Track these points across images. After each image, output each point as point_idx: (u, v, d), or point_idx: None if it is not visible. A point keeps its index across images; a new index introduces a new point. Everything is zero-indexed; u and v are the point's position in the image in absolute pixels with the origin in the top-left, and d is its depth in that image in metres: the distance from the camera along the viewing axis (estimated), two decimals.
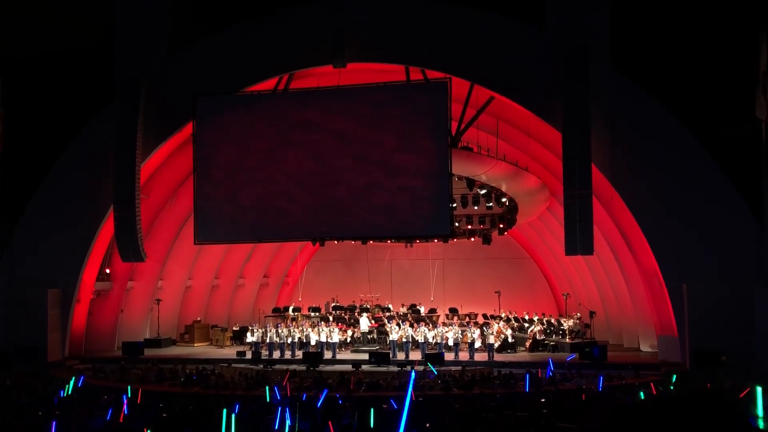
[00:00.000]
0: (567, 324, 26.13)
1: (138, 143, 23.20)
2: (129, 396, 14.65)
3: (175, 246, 27.44)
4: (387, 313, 27.70)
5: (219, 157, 23.49)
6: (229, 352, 25.96)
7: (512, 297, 30.56)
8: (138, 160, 23.21)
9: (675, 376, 15.89)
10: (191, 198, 24.11)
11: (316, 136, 22.76)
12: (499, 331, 24.87)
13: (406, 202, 22.17)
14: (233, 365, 22.79)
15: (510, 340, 25.03)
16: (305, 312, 28.83)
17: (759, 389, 8.33)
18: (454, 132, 22.58)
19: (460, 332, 24.05)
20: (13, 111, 24.89)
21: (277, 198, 23.03)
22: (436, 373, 19.78)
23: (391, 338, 24.34)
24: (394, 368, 21.60)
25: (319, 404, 12.36)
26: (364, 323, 26.55)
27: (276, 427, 10.14)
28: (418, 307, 28.22)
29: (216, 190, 23.48)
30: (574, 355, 21.32)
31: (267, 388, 14.75)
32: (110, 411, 11.81)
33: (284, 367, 22.34)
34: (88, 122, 25.02)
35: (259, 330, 25.26)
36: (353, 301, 29.72)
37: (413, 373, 7.69)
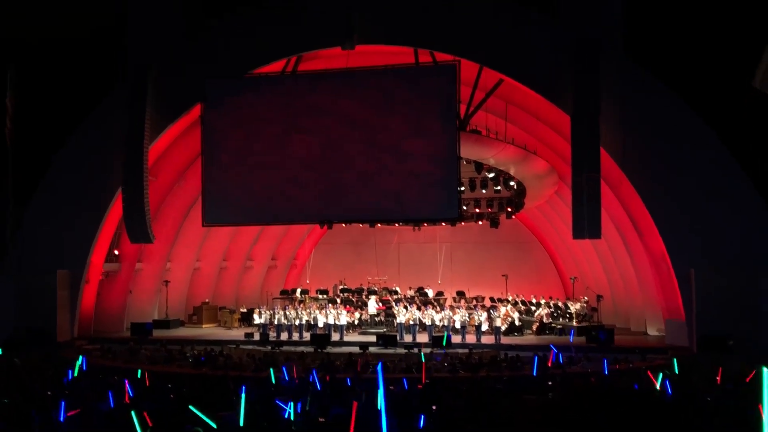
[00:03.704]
0: (574, 307, 26.11)
1: (146, 125, 23.19)
2: (137, 377, 14.74)
3: (183, 228, 27.51)
4: (394, 296, 27.74)
5: (227, 141, 23.46)
6: (237, 333, 26.10)
7: (520, 280, 30.56)
8: (146, 142, 23.21)
9: (676, 360, 15.83)
10: (199, 180, 24.11)
11: (324, 121, 22.69)
12: (507, 314, 24.88)
13: (414, 186, 22.13)
14: (241, 347, 22.89)
15: (517, 323, 25.05)
16: (313, 294, 28.90)
17: (765, 370, 8.17)
18: (462, 115, 22.48)
19: (467, 315, 24.07)
20: (23, 95, 24.90)
21: (285, 182, 23.01)
22: (444, 351, 19.83)
23: (398, 321, 24.41)
24: (401, 350, 21.65)
25: (311, 379, 12.37)
26: (372, 306, 26.61)
27: (286, 413, 10.14)
28: (425, 290, 28.23)
29: (223, 174, 23.48)
30: (572, 333, 21.29)
31: (271, 370, 14.74)
32: (114, 392, 11.84)
33: (292, 348, 22.46)
34: (98, 105, 25.02)
35: (267, 312, 25.34)
36: (361, 284, 29.77)
37: (380, 367, 7.44)
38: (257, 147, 23.21)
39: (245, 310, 28.74)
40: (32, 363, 18.08)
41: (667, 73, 22.07)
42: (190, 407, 9.59)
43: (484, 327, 23.81)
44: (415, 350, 20.88)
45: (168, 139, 25.30)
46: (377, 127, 22.32)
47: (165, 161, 26.13)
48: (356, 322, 26.27)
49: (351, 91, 22.51)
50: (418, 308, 24.91)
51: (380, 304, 26.99)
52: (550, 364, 17.66)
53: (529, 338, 24.53)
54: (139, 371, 15.35)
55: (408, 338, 23.72)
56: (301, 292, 29.23)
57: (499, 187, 26.28)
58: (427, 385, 13.46)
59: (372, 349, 21.91)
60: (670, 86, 21.21)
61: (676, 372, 15.06)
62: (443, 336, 22.21)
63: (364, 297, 27.86)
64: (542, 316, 25.69)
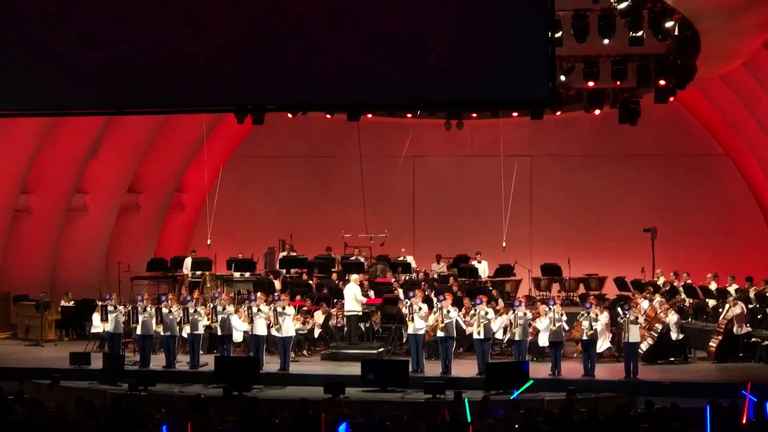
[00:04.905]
0: None
1: None
2: None
3: None
4: (403, 276, 27.98)
5: None
6: (56, 354, 26.49)
7: (682, 242, 30.82)
8: None
9: None
10: None
11: None
12: (652, 316, 25.07)
13: (446, 29, 22.13)
14: (63, 383, 23.16)
15: (675, 335, 25.28)
16: (222, 270, 29.15)
17: None
18: None
19: (564, 319, 24.27)
20: None
21: (160, 18, 22.98)
22: (516, 397, 20.15)
23: (411, 330, 24.62)
24: (418, 395, 21.90)
25: None
26: (352, 296, 26.72)
27: None
28: (472, 264, 28.45)
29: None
30: None
31: None
32: None
33: (175, 389, 22.79)
34: None
35: (120, 308, 25.57)
36: (328, 249, 30.00)
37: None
38: None
39: (71, 304, 29.08)
40: None
41: None
42: None
43: (603, 345, 24.04)
44: (450, 395, 21.17)
45: None
46: None
47: None
48: (317, 331, 26.59)
49: None
50: (457, 303, 25.12)
51: (371, 293, 27.20)
52: (744, 422, 18.02)
53: (701, 367, 24.87)
54: None
55: (433, 368, 24.11)
56: (195, 266, 29.46)
57: (640, 33, 26.21)
58: None
59: (351, 390, 22.23)
60: None
61: None
62: (513, 364, 22.45)
63: (334, 278, 28.12)
64: (731, 321, 25.85)
